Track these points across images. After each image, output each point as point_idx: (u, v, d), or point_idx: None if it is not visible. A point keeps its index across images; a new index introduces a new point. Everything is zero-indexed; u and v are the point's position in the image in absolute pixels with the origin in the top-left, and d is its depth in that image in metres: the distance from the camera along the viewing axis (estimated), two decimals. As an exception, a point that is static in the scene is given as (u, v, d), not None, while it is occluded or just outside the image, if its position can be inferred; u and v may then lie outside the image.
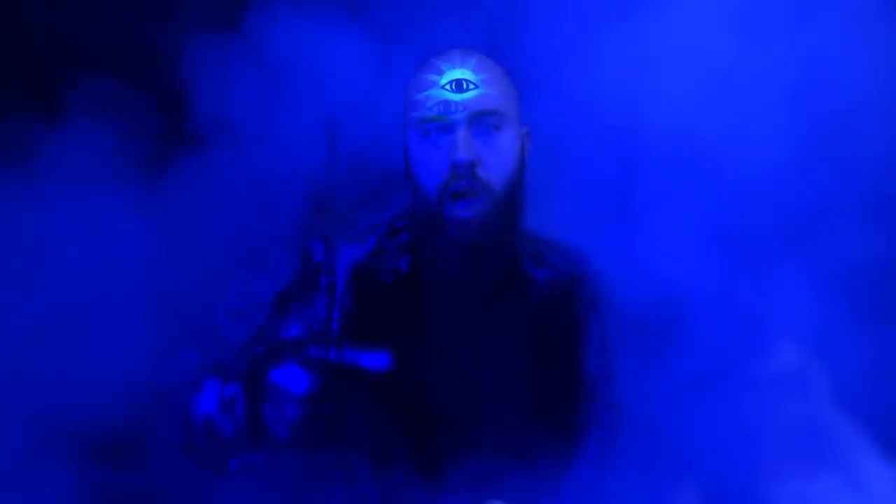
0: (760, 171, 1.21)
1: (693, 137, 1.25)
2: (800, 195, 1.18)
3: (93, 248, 1.26)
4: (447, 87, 0.93)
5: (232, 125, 1.40)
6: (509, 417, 0.98)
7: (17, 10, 1.40)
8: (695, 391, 1.12)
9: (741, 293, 1.21)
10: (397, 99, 1.03)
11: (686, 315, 1.15)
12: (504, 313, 0.99)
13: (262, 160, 1.42)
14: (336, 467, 1.02)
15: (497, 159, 0.94)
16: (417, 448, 0.98)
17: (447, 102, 0.92)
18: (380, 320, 1.00)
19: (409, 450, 0.98)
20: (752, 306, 1.19)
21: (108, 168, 1.33)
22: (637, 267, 1.17)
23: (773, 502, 0.99)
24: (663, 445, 1.08)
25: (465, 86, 0.93)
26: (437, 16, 1.42)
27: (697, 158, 1.27)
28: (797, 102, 1.22)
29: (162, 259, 1.32)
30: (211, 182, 1.39)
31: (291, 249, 1.22)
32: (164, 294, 1.32)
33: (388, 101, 1.40)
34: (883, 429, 1.02)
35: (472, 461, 0.96)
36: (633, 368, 1.12)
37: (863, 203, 1.21)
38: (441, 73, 0.94)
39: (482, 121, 0.93)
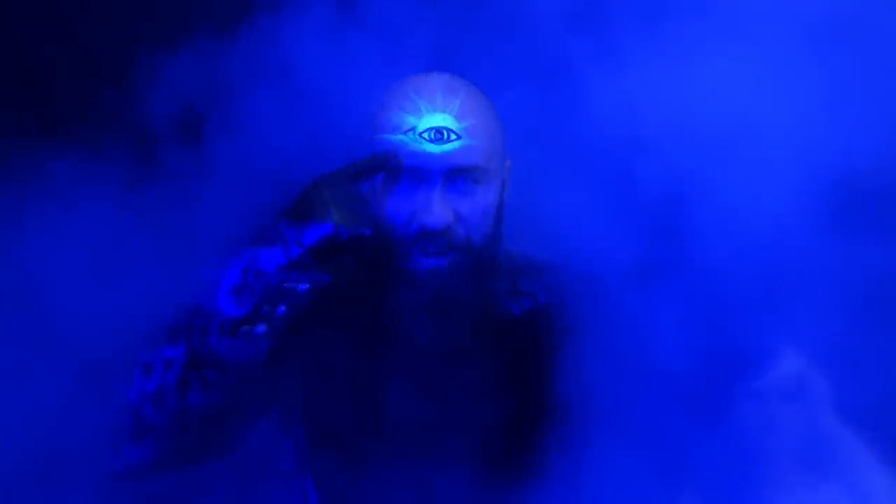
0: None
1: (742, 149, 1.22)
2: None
3: (96, 261, 1.26)
4: (425, 135, 0.83)
5: (241, 134, 1.40)
6: (475, 454, 0.92)
7: (14, 19, 1.39)
8: (695, 401, 1.11)
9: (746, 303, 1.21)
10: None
11: (689, 324, 1.11)
12: (473, 356, 0.91)
13: (271, 169, 1.41)
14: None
15: (474, 214, 0.85)
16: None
17: (423, 154, 0.82)
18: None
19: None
20: (757, 315, 1.19)
21: (110, 178, 1.33)
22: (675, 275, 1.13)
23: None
24: (662, 457, 1.07)
25: (445, 135, 0.83)
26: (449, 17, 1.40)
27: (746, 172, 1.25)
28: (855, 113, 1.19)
29: (169, 271, 1.33)
30: (220, 191, 1.39)
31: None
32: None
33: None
34: (887, 439, 1.02)
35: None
36: (633, 380, 1.08)
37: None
38: (420, 115, 0.83)
39: (461, 177, 0.84)
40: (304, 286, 0.76)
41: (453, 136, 0.83)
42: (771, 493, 1.04)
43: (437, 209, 0.82)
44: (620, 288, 1.14)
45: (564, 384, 0.98)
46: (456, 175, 0.84)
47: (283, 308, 0.76)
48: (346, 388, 0.92)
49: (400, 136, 0.83)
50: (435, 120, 0.83)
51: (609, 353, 1.05)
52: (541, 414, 0.91)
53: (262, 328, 0.76)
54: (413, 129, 0.82)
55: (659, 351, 1.17)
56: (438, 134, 0.83)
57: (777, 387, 1.11)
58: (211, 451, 0.87)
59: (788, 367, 1.10)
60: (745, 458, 1.09)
